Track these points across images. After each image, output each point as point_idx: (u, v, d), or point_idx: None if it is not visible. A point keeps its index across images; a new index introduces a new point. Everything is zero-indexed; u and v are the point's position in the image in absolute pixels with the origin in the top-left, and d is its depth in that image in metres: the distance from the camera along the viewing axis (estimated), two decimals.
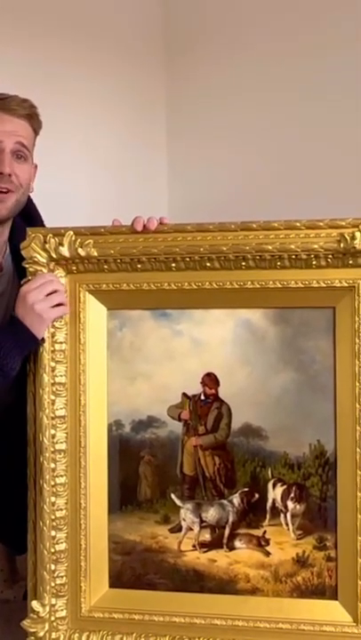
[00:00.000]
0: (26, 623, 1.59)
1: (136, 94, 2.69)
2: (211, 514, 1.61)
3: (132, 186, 2.65)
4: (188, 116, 2.68)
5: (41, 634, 1.59)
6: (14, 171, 1.67)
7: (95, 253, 1.58)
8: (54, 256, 1.59)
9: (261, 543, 1.59)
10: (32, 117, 1.72)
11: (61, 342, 1.61)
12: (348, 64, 2.24)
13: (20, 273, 1.66)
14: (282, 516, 1.59)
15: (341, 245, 1.49)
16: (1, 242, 1.73)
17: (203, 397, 1.61)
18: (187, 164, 2.69)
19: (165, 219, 1.60)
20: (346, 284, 1.52)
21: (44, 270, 1.59)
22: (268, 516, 1.60)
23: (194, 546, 1.62)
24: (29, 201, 1.78)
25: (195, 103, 2.65)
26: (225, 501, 1.61)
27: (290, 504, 1.58)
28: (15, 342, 1.55)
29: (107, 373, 1.63)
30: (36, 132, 1.75)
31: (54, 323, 1.60)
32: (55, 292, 1.57)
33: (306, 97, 2.33)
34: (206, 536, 1.62)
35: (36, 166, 1.78)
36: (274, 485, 1.59)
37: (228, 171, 2.53)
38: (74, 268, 1.60)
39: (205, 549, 1.62)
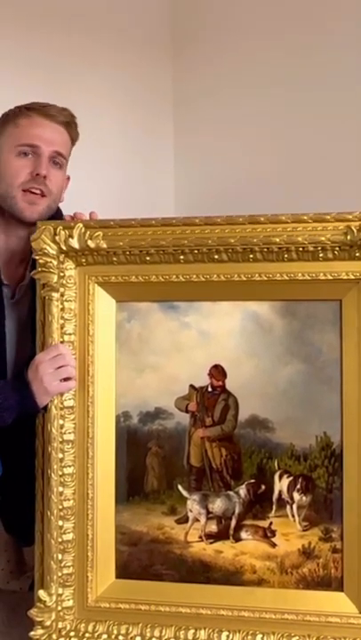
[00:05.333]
0: (33, 612, 1.60)
1: (143, 87, 2.69)
2: (217, 505, 1.62)
3: (138, 179, 2.66)
4: (194, 109, 2.69)
5: (47, 623, 1.60)
6: (49, 175, 1.70)
7: (104, 245, 1.60)
8: (64, 248, 1.61)
9: (267, 534, 1.60)
10: (70, 125, 1.75)
11: (70, 334, 1.63)
12: (356, 55, 2.25)
13: (34, 283, 1.67)
14: (288, 507, 1.60)
15: (348, 238, 1.51)
16: (26, 249, 1.73)
17: (210, 389, 1.63)
18: (193, 157, 2.70)
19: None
20: (353, 277, 1.53)
21: (54, 262, 1.61)
22: (274, 508, 1.61)
23: (200, 537, 1.63)
24: (58, 211, 1.79)
25: (201, 96, 2.66)
26: (231, 493, 1.62)
27: (296, 495, 1.59)
28: (18, 402, 1.58)
29: (115, 365, 1.65)
30: (73, 141, 1.78)
31: (64, 316, 1.62)
32: (65, 365, 1.59)
33: (313, 90, 2.34)
34: (213, 527, 1.63)
35: (68, 177, 1.80)
36: (280, 477, 1.60)
37: (235, 164, 2.54)
38: (83, 260, 1.62)
39: (212, 540, 1.62)
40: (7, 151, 1.70)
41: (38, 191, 1.69)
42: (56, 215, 1.78)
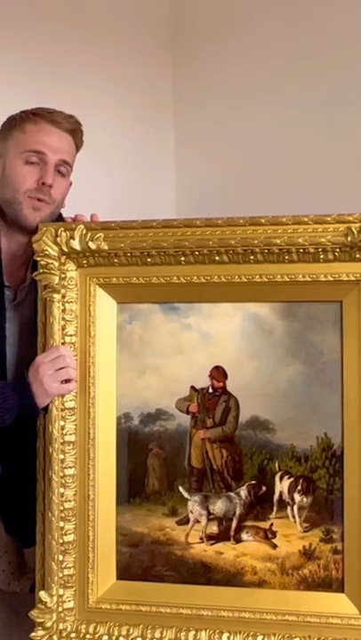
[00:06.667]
0: (34, 613, 1.60)
1: (143, 93, 2.71)
2: (218, 506, 1.63)
3: (139, 181, 2.67)
4: (195, 112, 2.70)
5: (48, 624, 1.60)
6: (54, 184, 1.70)
7: (106, 247, 1.60)
8: (65, 249, 1.61)
9: (268, 536, 1.60)
10: (76, 133, 1.76)
11: (72, 335, 1.63)
12: (356, 55, 2.27)
13: (35, 284, 1.69)
14: (289, 508, 1.60)
15: (349, 239, 1.51)
16: (27, 252, 1.75)
17: (211, 390, 1.63)
18: (194, 158, 2.71)
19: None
20: (353, 278, 1.54)
21: (55, 263, 1.62)
22: (275, 509, 1.61)
23: (201, 538, 1.63)
24: (59, 217, 1.80)
25: (202, 100, 2.67)
26: (232, 494, 1.62)
27: (297, 497, 1.59)
28: (18, 402, 1.58)
29: (116, 366, 1.65)
30: (78, 148, 1.78)
31: (65, 317, 1.63)
32: (65, 367, 1.60)
33: (312, 96, 2.35)
34: (213, 528, 1.63)
35: (70, 183, 1.80)
36: (281, 478, 1.60)
37: (235, 165, 2.56)
38: (84, 261, 1.63)
39: (212, 542, 1.63)
40: (13, 157, 1.70)
41: (43, 199, 1.69)
42: (57, 220, 1.78)
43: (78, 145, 1.78)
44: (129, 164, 2.68)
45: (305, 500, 1.59)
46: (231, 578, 1.60)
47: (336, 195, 2.10)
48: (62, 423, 1.62)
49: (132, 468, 1.65)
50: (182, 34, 2.75)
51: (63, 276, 1.63)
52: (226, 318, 1.62)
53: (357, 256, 1.52)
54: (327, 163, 2.29)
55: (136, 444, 1.65)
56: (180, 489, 1.64)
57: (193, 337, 1.64)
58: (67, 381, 1.60)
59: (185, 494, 1.64)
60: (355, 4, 2.26)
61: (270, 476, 1.60)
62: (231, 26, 2.59)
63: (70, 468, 1.62)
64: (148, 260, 1.60)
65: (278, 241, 1.54)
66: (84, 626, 1.61)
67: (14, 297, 1.74)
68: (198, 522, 1.63)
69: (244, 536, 1.62)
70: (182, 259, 1.59)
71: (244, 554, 1.61)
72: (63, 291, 1.63)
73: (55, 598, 1.61)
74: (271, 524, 1.60)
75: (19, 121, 1.72)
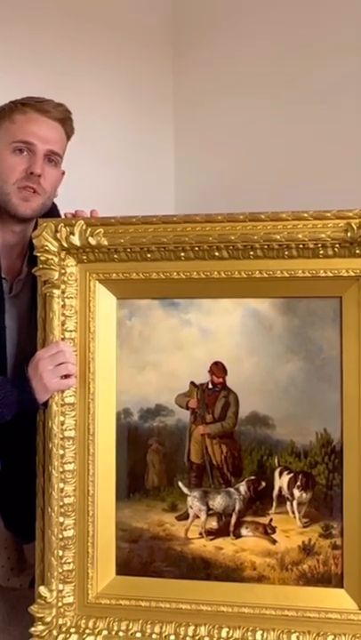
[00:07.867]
0: (33, 608, 1.60)
1: (143, 86, 2.72)
2: (218, 502, 1.63)
3: (139, 177, 2.67)
4: (195, 106, 2.71)
5: (48, 619, 1.60)
6: (44, 173, 1.70)
7: (105, 242, 1.60)
8: (65, 245, 1.61)
9: (268, 531, 1.60)
10: (66, 122, 1.75)
11: (71, 331, 1.63)
12: (355, 54, 2.26)
13: (31, 277, 1.69)
14: (288, 504, 1.60)
15: (348, 235, 1.51)
16: (23, 243, 1.75)
17: (210, 386, 1.63)
18: (194, 154, 2.71)
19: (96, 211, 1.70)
20: (353, 274, 1.54)
21: (55, 259, 1.62)
22: (274, 504, 1.61)
23: (200, 534, 1.63)
24: (53, 207, 1.80)
25: (202, 94, 2.68)
26: (232, 489, 1.62)
27: (296, 492, 1.59)
28: (17, 398, 1.59)
29: (116, 362, 1.65)
30: (68, 136, 1.78)
31: (65, 313, 1.63)
32: (65, 363, 1.60)
33: (313, 89, 2.35)
34: (213, 524, 1.63)
35: (63, 172, 1.80)
36: (280, 473, 1.60)
37: (236, 161, 2.56)
38: (84, 257, 1.63)
39: (212, 537, 1.63)
40: (3, 147, 1.70)
41: (32, 189, 1.69)
42: (51, 211, 1.78)
43: (69, 133, 1.78)
44: (128, 158, 2.68)
45: (304, 495, 1.59)
46: (231, 573, 1.61)
47: (336, 190, 2.10)
48: (62, 419, 1.62)
49: (131, 463, 1.65)
50: (183, 26, 2.75)
51: (63, 271, 1.63)
52: (225, 314, 1.62)
53: (357, 252, 1.52)
54: (328, 158, 2.29)
55: (136, 439, 1.65)
56: (180, 484, 1.64)
57: (193, 333, 1.64)
58: (66, 377, 1.61)
59: (184, 490, 1.64)
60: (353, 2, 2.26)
61: (270, 472, 1.60)
62: (232, 18, 2.59)
63: (70, 463, 1.62)
64: (148, 255, 1.60)
65: (278, 237, 1.54)
66: (83, 621, 1.61)
67: (10, 289, 1.74)
68: (198, 517, 1.63)
69: (244, 531, 1.62)
70: (182, 254, 1.59)
71: (244, 549, 1.61)
72: (63, 286, 1.63)
73: (55, 593, 1.61)
74: (271, 520, 1.61)
75: (8, 111, 1.72)
